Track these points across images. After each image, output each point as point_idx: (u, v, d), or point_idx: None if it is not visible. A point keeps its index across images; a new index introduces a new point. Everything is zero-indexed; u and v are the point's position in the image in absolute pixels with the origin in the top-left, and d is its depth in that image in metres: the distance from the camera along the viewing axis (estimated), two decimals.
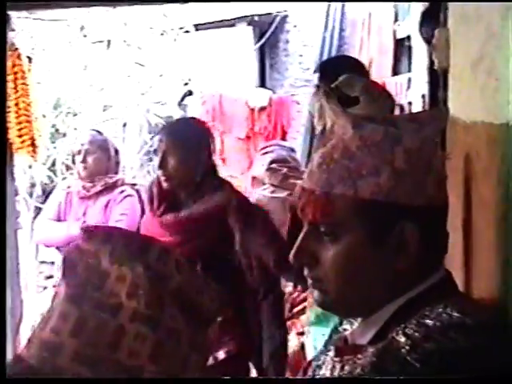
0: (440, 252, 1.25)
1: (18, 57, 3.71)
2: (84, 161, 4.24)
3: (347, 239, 1.19)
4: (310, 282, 1.26)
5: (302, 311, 3.39)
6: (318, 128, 2.74)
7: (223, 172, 5.33)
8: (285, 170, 3.85)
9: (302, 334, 3.19)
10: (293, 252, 1.24)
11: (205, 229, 2.85)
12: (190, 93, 7.21)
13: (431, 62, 2.24)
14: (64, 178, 5.55)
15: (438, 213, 1.22)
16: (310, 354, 3.03)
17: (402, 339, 1.11)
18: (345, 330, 1.36)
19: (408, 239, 1.17)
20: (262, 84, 7.38)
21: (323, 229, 1.21)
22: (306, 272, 1.25)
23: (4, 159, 0.87)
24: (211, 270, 1.83)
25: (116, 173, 4.38)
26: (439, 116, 1.28)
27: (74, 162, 4.37)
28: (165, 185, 2.89)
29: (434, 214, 1.20)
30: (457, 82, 1.83)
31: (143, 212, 3.98)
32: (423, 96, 3.63)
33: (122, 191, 4.20)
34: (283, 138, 6.30)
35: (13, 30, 3.67)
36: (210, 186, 2.90)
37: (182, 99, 7.19)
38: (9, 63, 3.56)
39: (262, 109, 6.51)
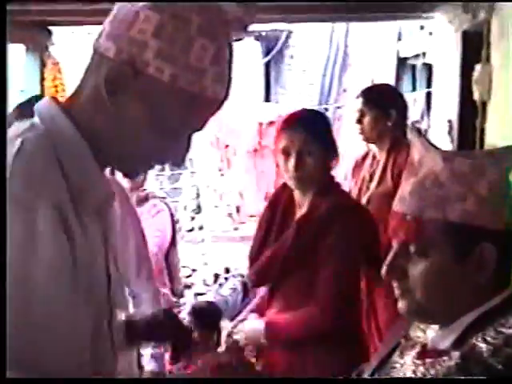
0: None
1: (59, 71, 3.80)
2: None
3: (435, 256, 1.38)
4: (398, 292, 1.45)
5: None
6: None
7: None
8: None
9: None
10: (385, 268, 1.43)
11: None
12: None
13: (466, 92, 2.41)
14: None
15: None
16: None
17: (483, 345, 1.30)
18: (418, 337, 1.54)
19: (487, 258, 1.36)
20: (267, 98, 7.55)
21: (413, 248, 1.40)
22: (395, 284, 1.44)
23: (4, 160, 1.01)
24: None
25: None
26: None
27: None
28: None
29: (509, 238, 1.40)
30: (495, 114, 2.02)
31: (174, 226, 4.15)
32: (449, 121, 3.78)
33: (154, 205, 4.17)
34: None
35: (53, 44, 3.81)
36: None
37: None
38: (50, 76, 3.70)
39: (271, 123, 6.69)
